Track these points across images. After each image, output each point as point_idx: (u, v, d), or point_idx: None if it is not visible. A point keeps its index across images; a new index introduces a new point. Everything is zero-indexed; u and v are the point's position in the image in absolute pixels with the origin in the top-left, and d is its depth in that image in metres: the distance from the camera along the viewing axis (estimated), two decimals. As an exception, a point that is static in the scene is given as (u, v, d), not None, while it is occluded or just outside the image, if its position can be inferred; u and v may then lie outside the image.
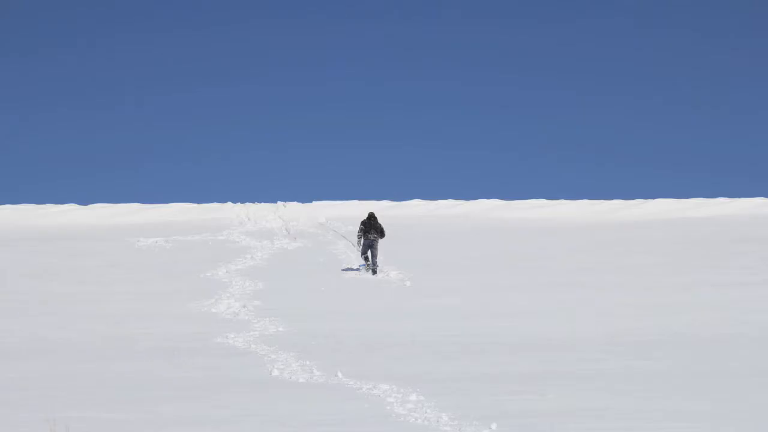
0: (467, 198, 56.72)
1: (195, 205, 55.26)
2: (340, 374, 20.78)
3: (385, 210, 54.37)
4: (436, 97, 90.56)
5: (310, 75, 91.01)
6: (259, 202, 56.03)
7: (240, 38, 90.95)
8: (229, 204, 55.57)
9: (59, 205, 55.57)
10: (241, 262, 40.18)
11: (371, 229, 38.16)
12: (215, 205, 55.38)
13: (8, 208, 54.60)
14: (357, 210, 53.67)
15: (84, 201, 55.87)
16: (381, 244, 38.79)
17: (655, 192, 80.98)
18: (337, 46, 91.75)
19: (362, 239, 38.18)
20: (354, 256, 41.35)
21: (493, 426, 15.69)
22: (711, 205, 54.92)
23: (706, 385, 19.65)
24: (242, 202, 56.02)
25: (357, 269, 38.65)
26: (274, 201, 56.12)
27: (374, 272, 37.43)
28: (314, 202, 55.75)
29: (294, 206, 55.23)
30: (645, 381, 20.16)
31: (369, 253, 38.00)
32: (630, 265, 38.70)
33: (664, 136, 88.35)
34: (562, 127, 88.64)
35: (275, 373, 21.45)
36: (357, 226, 40.89)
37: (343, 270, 38.60)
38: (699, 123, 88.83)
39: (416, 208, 55.32)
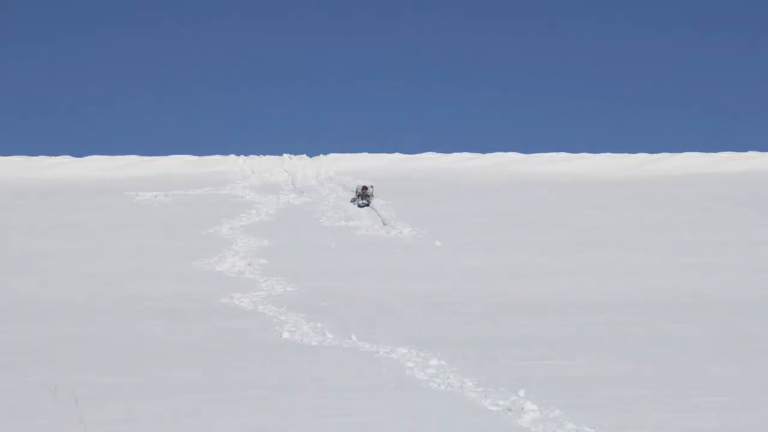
0: (483, 151, 56.55)
1: (196, 157, 55.13)
2: (354, 337, 20.55)
3: (396, 164, 54.20)
4: (448, 47, 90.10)
5: (318, 22, 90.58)
6: (264, 154, 55.88)
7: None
8: (233, 156, 55.38)
9: (53, 158, 55.43)
10: (245, 218, 40.01)
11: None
12: (218, 157, 55.23)
13: (-1, 160, 54.50)
14: (367, 163, 53.49)
15: (79, 153, 55.78)
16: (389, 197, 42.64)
17: (682, 145, 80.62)
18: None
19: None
20: (365, 211, 41.19)
21: (521, 393, 15.47)
22: (742, 159, 54.65)
23: (739, 352, 19.41)
24: (246, 154, 55.84)
25: (369, 225, 38.55)
26: (280, 153, 55.99)
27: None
28: (322, 155, 55.56)
29: (301, 159, 55.06)
30: (676, 346, 19.92)
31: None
32: (657, 223, 38.48)
33: (691, 85, 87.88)
34: (582, 75, 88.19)
35: (285, 335, 21.23)
36: (368, 180, 44.85)
37: (354, 226, 38.41)
38: (725, 71, 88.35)
39: (429, 161, 55.09)
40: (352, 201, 43.20)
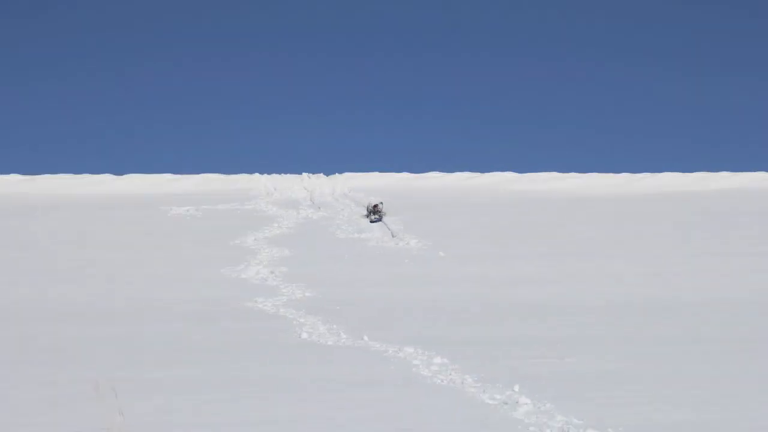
0: (482, 171, 56.50)
1: (224, 176, 55.14)
2: (366, 338, 20.56)
3: (404, 182, 54.16)
4: (452, 73, 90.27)
5: (334, 49, 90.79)
6: (285, 173, 55.91)
7: (265, 8, 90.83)
8: (257, 175, 55.38)
9: (96, 175, 55.48)
10: (268, 231, 40.01)
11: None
12: (244, 176, 55.22)
13: (47, 178, 54.54)
14: (378, 181, 53.46)
15: (119, 171, 55.84)
16: (397, 212, 42.53)
17: (661, 165, 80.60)
18: (362, 20, 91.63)
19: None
20: (376, 225, 41.20)
21: (516, 387, 15.49)
22: (715, 179, 54.58)
23: (713, 350, 19.36)
24: (269, 173, 55.87)
25: (378, 237, 38.54)
26: (300, 172, 55.99)
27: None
28: (338, 174, 55.56)
29: (318, 178, 55.06)
30: (657, 345, 19.89)
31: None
32: (639, 236, 38.40)
33: (673, 114, 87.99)
34: (572, 101, 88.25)
35: (304, 335, 21.25)
36: (378, 197, 44.79)
37: (365, 238, 38.39)
38: (705, 103, 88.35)
39: (434, 180, 55.05)
40: (365, 216, 43.11)
